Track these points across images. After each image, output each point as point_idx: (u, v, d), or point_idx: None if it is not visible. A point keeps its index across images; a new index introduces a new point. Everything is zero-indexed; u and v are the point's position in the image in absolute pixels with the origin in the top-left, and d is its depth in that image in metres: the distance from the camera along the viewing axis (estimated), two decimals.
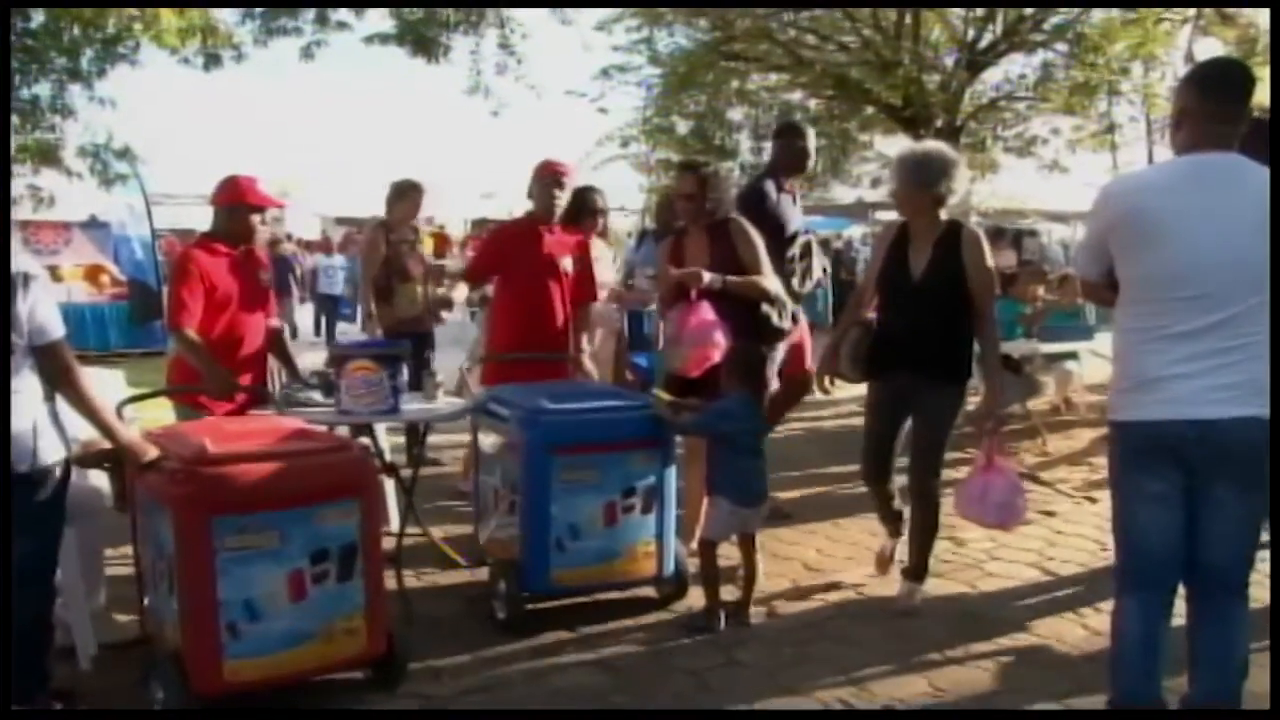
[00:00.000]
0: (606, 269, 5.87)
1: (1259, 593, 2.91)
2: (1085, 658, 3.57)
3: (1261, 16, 10.34)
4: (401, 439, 6.08)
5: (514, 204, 5.36)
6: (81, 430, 3.17)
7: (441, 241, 18.12)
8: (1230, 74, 2.76)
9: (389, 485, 4.76)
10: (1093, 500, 5.65)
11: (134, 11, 9.44)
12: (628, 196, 17.00)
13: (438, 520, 5.03)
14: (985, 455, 3.88)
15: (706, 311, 4.15)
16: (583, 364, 4.95)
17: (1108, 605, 2.94)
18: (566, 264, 4.88)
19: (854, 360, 4.09)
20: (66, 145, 11.21)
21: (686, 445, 4.35)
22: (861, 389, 4.25)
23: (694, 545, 4.11)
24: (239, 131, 49.37)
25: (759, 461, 3.96)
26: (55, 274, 13.26)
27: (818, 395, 4.76)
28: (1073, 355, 7.69)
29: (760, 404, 4.06)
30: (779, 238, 4.78)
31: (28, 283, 2.75)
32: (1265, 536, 2.98)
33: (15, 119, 10.10)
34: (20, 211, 11.39)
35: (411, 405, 4.26)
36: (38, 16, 9.53)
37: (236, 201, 4.21)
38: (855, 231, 21.90)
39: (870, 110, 13.02)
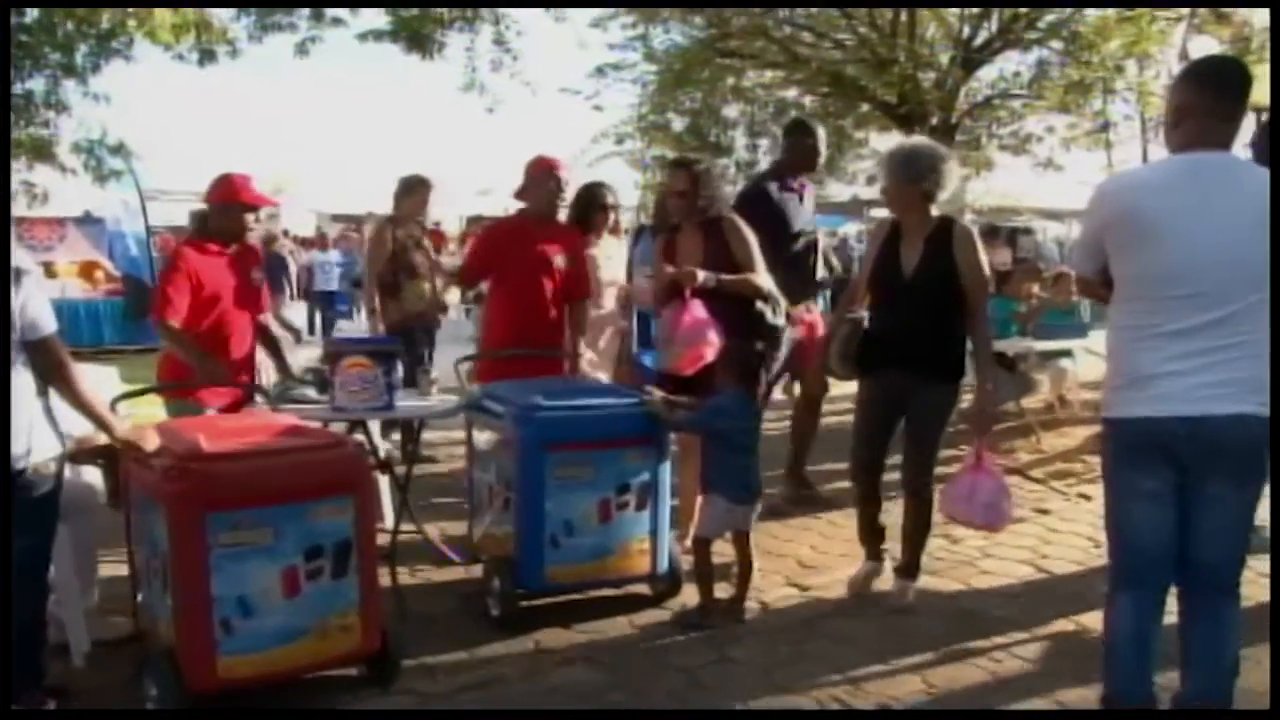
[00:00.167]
0: (619, 267, 5.66)
1: (1256, 592, 2.92)
2: (1078, 655, 3.57)
3: (1255, 15, 10.38)
4: (397, 435, 6.09)
5: (509, 201, 5.28)
6: (75, 426, 3.17)
7: (437, 238, 18.06)
8: (1228, 70, 2.77)
9: (384, 482, 4.77)
10: (1087, 498, 5.66)
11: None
12: (623, 193, 16.89)
13: (432, 517, 5.03)
14: (975, 454, 3.89)
15: (699, 310, 4.14)
16: (578, 363, 4.86)
17: (1101, 603, 2.95)
18: (560, 261, 4.81)
19: (843, 358, 4.09)
20: (61, 141, 11.22)
21: (680, 442, 4.35)
22: (856, 386, 4.25)
23: (688, 543, 4.12)
24: (234, 127, 49.40)
25: (753, 459, 3.96)
26: (50, 270, 13.24)
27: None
28: (1067, 353, 7.69)
29: (754, 401, 4.06)
30: (781, 237, 4.77)
31: (20, 278, 2.74)
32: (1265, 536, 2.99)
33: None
34: (15, 207, 11.34)
35: (406, 402, 4.27)
36: (32, 12, 9.49)
37: (230, 200, 4.20)
38: (850, 229, 21.92)
39: (865, 108, 13.04)
